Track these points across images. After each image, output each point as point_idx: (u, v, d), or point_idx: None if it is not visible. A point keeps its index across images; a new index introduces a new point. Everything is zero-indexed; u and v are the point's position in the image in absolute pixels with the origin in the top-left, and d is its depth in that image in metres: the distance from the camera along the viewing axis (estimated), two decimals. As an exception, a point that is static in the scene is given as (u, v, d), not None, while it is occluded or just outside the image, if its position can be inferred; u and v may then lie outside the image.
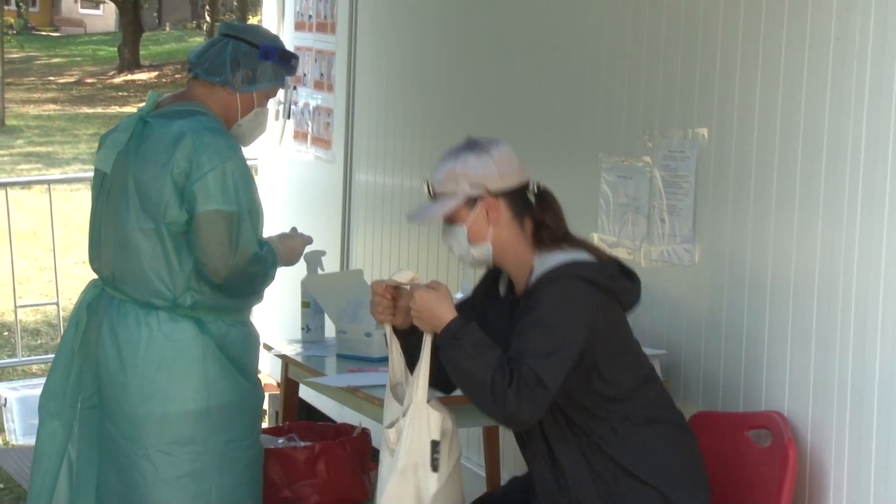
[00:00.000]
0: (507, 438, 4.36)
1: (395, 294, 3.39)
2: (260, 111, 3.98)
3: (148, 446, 3.83)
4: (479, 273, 3.66)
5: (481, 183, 3.38)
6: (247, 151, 7.53)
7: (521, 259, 3.43)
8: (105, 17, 47.73)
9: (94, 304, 3.94)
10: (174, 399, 3.82)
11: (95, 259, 3.96)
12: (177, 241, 3.77)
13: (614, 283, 3.40)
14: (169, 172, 3.72)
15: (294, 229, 4.24)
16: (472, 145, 3.43)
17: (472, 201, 3.38)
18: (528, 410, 3.20)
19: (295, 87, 6.82)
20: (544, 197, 3.47)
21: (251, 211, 3.79)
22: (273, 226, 6.83)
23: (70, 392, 3.97)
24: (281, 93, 6.79)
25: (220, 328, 3.87)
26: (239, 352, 3.92)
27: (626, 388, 3.41)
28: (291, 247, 4.11)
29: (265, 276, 3.93)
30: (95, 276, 4.02)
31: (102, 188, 3.91)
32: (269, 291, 6.94)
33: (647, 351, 4.22)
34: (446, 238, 3.46)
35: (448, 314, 3.29)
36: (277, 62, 3.94)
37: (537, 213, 3.43)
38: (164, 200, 3.74)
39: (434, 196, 3.43)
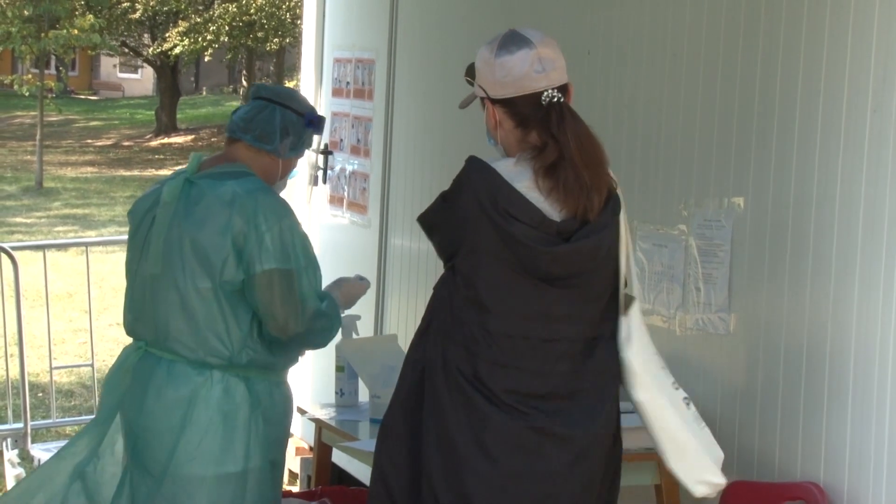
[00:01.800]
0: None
1: None
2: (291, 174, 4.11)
3: None
4: None
5: (483, 84, 3.21)
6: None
7: None
8: (143, 82, 48.24)
9: (138, 367, 3.92)
10: (219, 461, 3.83)
11: (138, 321, 3.94)
12: (232, 300, 3.80)
13: (500, 216, 3.09)
14: (228, 232, 3.76)
15: (358, 276, 4.30)
16: (496, 39, 3.20)
17: (482, 99, 3.24)
18: None
19: (331, 153, 6.87)
20: (551, 110, 3.14)
21: (308, 267, 3.84)
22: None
23: (87, 453, 4.03)
24: (319, 158, 6.87)
25: (265, 388, 3.89)
26: (279, 413, 3.94)
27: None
28: (349, 291, 4.18)
29: (330, 330, 3.98)
30: (131, 339, 4.01)
31: (144, 250, 3.92)
32: (305, 355, 6.95)
33: (682, 420, 4.21)
34: None
35: None
36: (315, 129, 4.04)
37: (540, 126, 3.15)
38: (223, 260, 3.77)
39: None
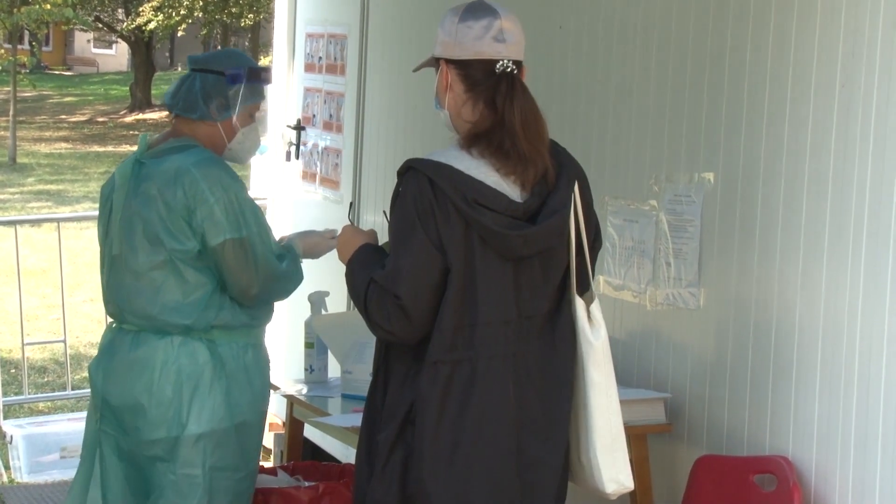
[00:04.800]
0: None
1: None
2: (247, 130, 4.06)
3: (166, 469, 3.91)
4: None
5: (441, 46, 3.20)
6: (255, 192, 7.58)
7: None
8: (117, 57, 47.97)
9: (110, 342, 4.05)
10: (184, 423, 3.90)
11: (108, 302, 4.07)
12: (188, 268, 3.90)
13: (470, 208, 3.06)
14: (174, 206, 3.85)
15: (329, 232, 4.31)
16: (460, 7, 3.20)
17: (437, 61, 3.23)
18: (388, 323, 3.07)
19: (304, 128, 6.85)
20: (502, 79, 3.15)
21: (260, 232, 3.92)
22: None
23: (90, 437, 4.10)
24: (291, 134, 6.85)
25: (231, 350, 3.96)
26: (250, 375, 4.01)
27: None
28: (314, 244, 4.24)
29: (290, 283, 4.09)
30: (110, 319, 4.16)
31: (108, 234, 4.03)
32: (275, 332, 6.95)
33: (652, 394, 4.24)
34: None
35: (361, 241, 3.29)
36: (247, 83, 4.03)
37: (488, 92, 3.15)
38: (171, 234, 3.87)
39: None
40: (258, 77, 4.05)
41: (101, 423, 4.02)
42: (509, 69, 3.15)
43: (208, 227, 3.84)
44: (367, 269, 3.16)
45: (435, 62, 3.23)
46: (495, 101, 3.14)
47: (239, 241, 3.87)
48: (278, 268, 3.98)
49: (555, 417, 3.19)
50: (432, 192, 3.07)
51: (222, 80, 3.99)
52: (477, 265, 3.09)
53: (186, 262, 3.88)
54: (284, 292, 4.09)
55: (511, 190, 3.14)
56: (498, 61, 3.14)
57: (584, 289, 3.28)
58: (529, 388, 3.17)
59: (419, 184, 3.10)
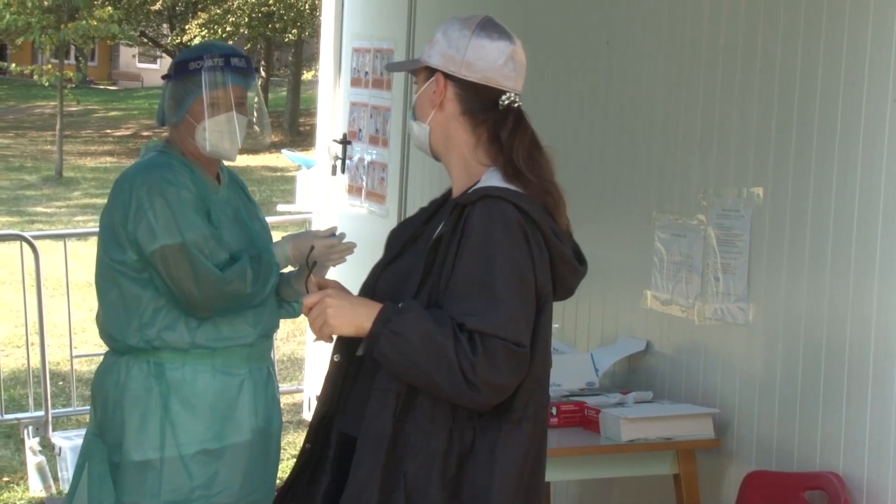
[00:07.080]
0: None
1: None
2: (212, 122, 3.80)
3: (122, 496, 3.80)
4: None
5: (442, 57, 2.88)
6: (301, 205, 7.59)
7: (466, 164, 2.92)
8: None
9: None
10: (128, 448, 3.76)
11: None
12: (125, 280, 3.75)
13: (557, 238, 2.79)
14: (115, 216, 3.74)
15: (333, 229, 4.03)
16: (471, 20, 2.94)
17: (430, 72, 2.91)
18: (508, 378, 2.65)
19: (350, 142, 6.88)
20: (509, 113, 2.87)
21: (196, 238, 3.70)
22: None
23: None
24: (337, 148, 6.87)
25: (184, 374, 3.78)
26: (205, 402, 3.79)
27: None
28: (298, 244, 3.92)
29: (241, 289, 3.75)
30: None
31: None
32: (319, 345, 6.96)
33: (700, 409, 4.22)
34: None
35: (370, 305, 2.75)
36: (186, 74, 3.82)
37: (493, 125, 2.86)
38: (113, 243, 3.76)
39: None
40: (185, 69, 3.82)
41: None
42: (516, 104, 2.88)
43: (143, 234, 3.67)
44: (440, 325, 2.65)
45: (427, 71, 2.93)
46: (499, 134, 2.87)
47: (175, 247, 3.66)
48: (217, 273, 3.69)
49: None
50: (523, 219, 2.73)
51: (168, 83, 3.84)
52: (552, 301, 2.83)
53: (125, 273, 3.73)
54: (234, 300, 3.75)
55: None
56: (504, 93, 2.88)
57: None
58: None
59: (505, 212, 2.73)
